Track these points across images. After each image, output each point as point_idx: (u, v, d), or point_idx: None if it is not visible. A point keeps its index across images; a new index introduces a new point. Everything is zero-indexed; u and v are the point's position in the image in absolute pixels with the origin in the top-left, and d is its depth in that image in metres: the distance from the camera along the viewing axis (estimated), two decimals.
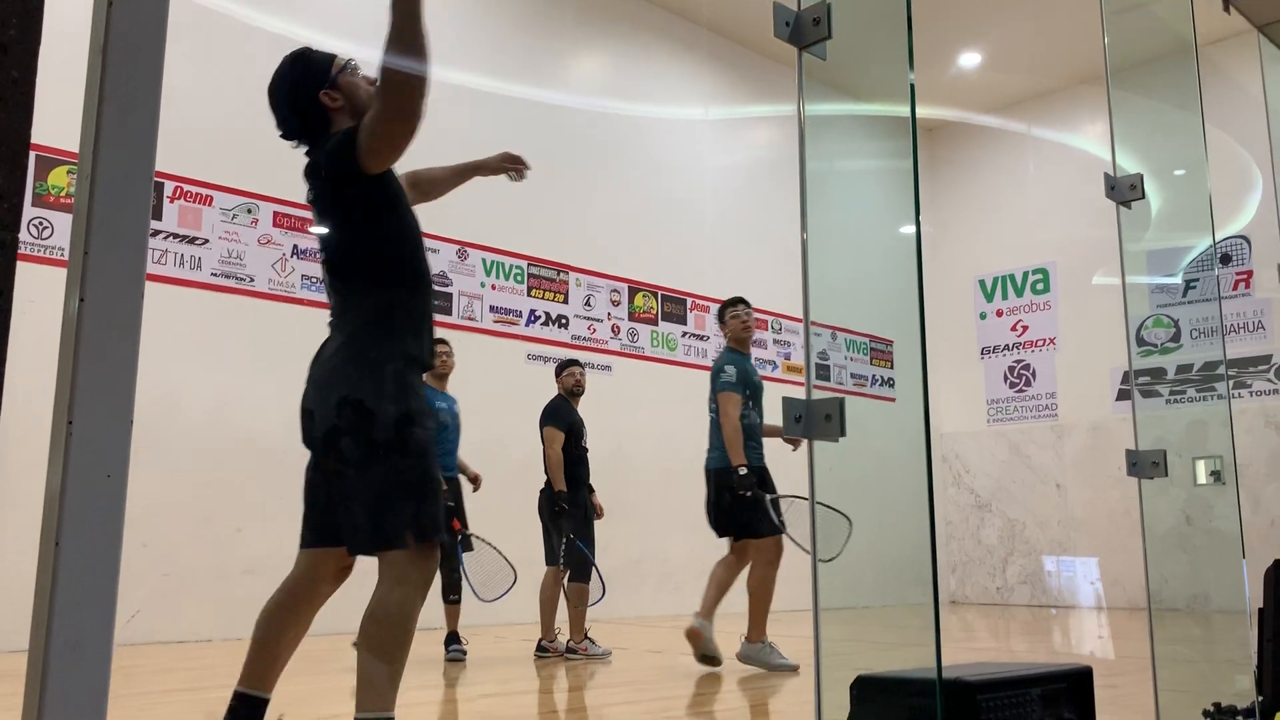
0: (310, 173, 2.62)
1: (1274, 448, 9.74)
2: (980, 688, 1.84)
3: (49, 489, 1.05)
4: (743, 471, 5.32)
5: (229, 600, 6.92)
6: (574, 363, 6.49)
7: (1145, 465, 3.03)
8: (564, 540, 5.95)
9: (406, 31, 2.36)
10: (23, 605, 1.16)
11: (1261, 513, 9.49)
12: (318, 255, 2.63)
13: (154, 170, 1.14)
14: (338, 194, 2.57)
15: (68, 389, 1.05)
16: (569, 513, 5.96)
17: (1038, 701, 1.99)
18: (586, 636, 6.03)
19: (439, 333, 7.43)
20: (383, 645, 2.35)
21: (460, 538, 5.75)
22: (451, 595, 5.87)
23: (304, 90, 2.66)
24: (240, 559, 7.00)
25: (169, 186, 7.06)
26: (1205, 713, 2.86)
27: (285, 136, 2.75)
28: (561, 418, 6.15)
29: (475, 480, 6.19)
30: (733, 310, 5.79)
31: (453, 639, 5.86)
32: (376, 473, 2.41)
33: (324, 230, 2.69)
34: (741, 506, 5.36)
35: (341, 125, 2.62)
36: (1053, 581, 11.59)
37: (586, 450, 6.28)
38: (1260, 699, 2.79)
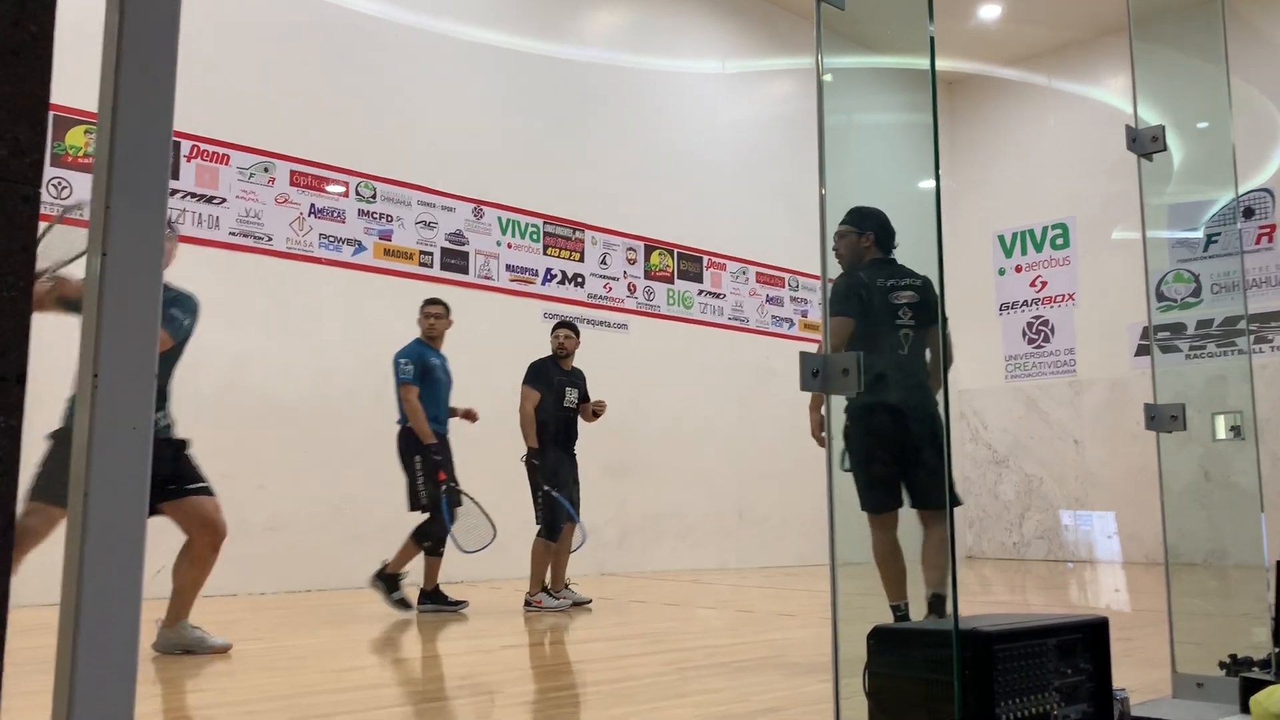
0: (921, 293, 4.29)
1: None
2: (996, 638, 1.85)
3: (77, 441, 1.06)
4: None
5: (252, 556, 7.01)
6: (565, 325, 6.59)
7: (1164, 419, 3.02)
8: (538, 495, 6.10)
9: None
10: (53, 560, 1.18)
11: None
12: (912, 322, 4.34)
13: (173, 122, 1.15)
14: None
15: (92, 342, 1.06)
16: (538, 468, 6.09)
17: (1054, 652, 2.00)
18: (567, 586, 6.17)
19: (433, 292, 7.45)
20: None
21: (447, 490, 5.87)
22: (439, 549, 5.95)
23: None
24: (263, 516, 7.08)
25: (185, 146, 7.07)
26: (1221, 664, 2.87)
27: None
28: (542, 378, 6.26)
29: (470, 415, 6.32)
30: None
31: (434, 595, 5.95)
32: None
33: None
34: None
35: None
36: (1070, 536, 11.60)
37: (571, 409, 6.38)
38: (1277, 650, 2.80)
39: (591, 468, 8.73)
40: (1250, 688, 2.60)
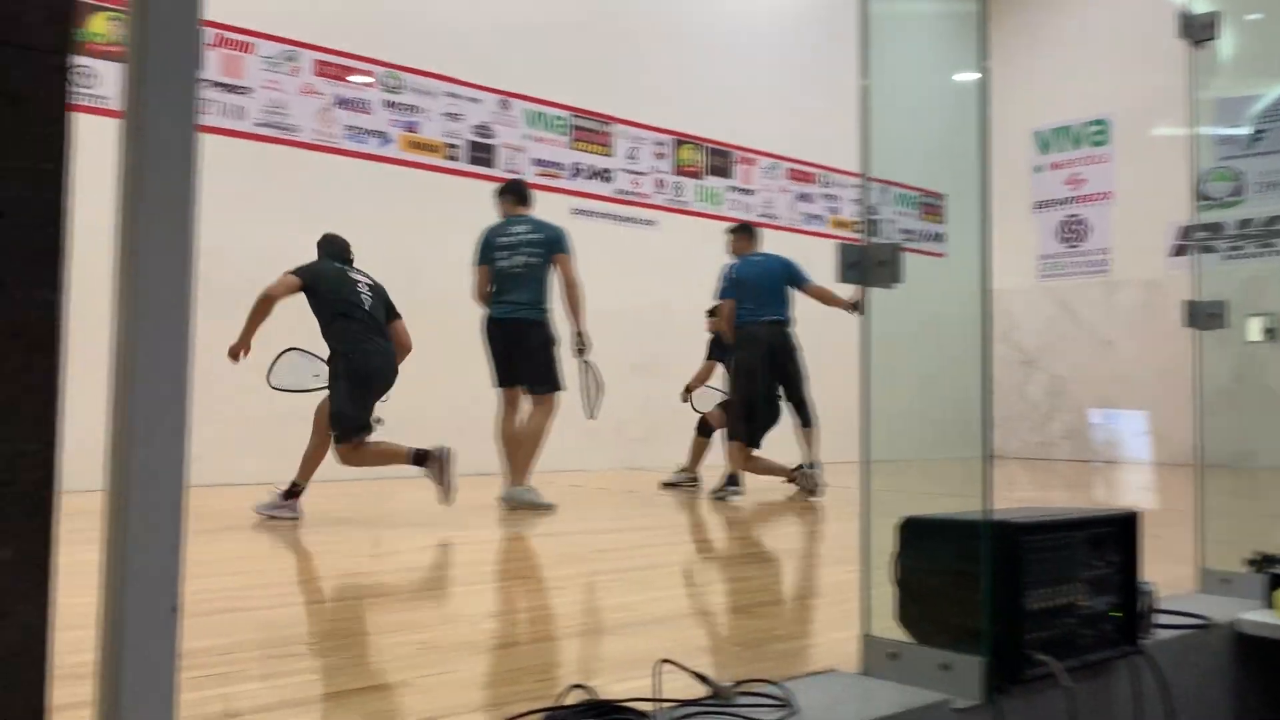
0: None
1: None
2: (1025, 529, 1.86)
3: (118, 327, 1.07)
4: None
5: (285, 446, 7.12)
6: None
7: (1202, 317, 2.98)
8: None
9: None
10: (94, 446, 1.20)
11: None
12: None
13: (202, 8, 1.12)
14: None
15: (132, 226, 1.06)
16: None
17: (1082, 544, 2.01)
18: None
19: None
20: None
21: None
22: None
23: None
24: (292, 407, 7.17)
25: (209, 33, 6.97)
26: (1250, 561, 2.88)
27: None
28: None
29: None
30: None
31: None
32: None
33: None
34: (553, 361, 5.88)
35: None
36: (1097, 435, 11.60)
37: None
38: None
39: (619, 364, 8.76)
40: (1277, 583, 2.61)
